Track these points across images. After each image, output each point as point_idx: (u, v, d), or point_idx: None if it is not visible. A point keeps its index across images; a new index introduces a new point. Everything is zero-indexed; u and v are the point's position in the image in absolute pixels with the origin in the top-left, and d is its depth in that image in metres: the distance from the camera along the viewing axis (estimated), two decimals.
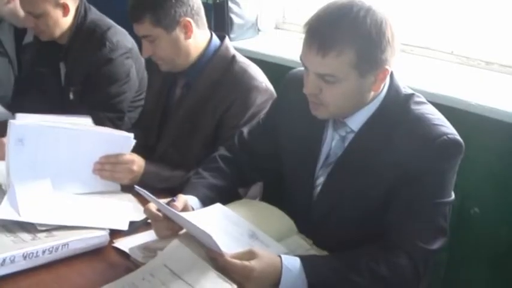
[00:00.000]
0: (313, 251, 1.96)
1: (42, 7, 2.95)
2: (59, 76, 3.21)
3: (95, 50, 3.06)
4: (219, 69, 2.55)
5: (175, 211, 1.85)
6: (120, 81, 3.09)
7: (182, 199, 2.00)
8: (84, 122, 2.67)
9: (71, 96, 3.13)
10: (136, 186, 1.99)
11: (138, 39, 2.78)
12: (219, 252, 1.72)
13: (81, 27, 3.12)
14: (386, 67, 1.85)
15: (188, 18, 2.49)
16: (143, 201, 2.14)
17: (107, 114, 3.01)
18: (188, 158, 2.53)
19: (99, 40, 3.07)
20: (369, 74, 1.84)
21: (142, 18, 2.45)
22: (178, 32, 2.49)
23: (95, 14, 3.20)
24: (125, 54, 3.11)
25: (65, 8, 3.03)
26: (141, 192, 1.93)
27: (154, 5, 2.44)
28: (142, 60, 3.28)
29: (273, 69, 2.92)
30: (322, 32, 1.81)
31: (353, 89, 1.86)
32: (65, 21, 3.07)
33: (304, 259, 1.80)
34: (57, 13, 3.02)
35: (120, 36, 3.13)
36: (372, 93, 1.92)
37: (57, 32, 3.08)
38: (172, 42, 2.49)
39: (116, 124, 3.02)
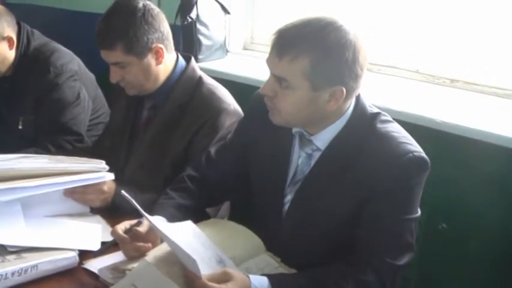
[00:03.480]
0: (282, 269, 1.97)
1: None
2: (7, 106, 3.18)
3: (40, 77, 3.05)
4: (186, 91, 2.53)
5: (162, 229, 1.81)
6: (71, 105, 3.08)
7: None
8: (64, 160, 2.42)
9: (20, 125, 3.10)
10: (123, 191, 1.91)
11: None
12: (197, 275, 1.71)
13: (25, 56, 3.10)
14: (342, 87, 1.87)
15: (160, 45, 2.46)
16: (112, 222, 2.14)
17: (63, 137, 3.00)
18: (157, 179, 2.49)
19: (43, 67, 3.06)
20: (322, 90, 1.87)
21: (113, 46, 2.39)
22: (150, 58, 2.46)
23: (38, 39, 3.18)
24: (72, 78, 3.09)
25: (9, 41, 3.01)
26: (128, 199, 1.86)
27: (127, 32, 2.39)
28: (93, 77, 3.28)
29: (242, 89, 2.92)
30: (285, 36, 1.86)
31: (305, 101, 1.88)
32: (11, 54, 3.06)
33: (271, 278, 1.81)
34: (3, 47, 3.00)
35: (65, 60, 3.12)
36: (330, 111, 1.93)
37: (5, 67, 3.07)
38: (143, 68, 2.46)
39: (75, 146, 3.01)
